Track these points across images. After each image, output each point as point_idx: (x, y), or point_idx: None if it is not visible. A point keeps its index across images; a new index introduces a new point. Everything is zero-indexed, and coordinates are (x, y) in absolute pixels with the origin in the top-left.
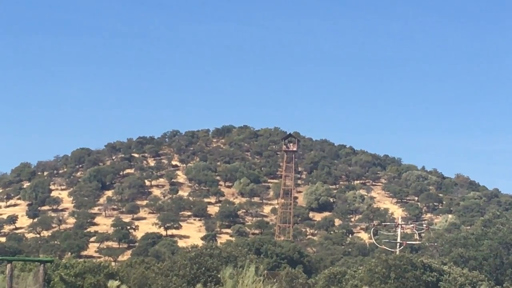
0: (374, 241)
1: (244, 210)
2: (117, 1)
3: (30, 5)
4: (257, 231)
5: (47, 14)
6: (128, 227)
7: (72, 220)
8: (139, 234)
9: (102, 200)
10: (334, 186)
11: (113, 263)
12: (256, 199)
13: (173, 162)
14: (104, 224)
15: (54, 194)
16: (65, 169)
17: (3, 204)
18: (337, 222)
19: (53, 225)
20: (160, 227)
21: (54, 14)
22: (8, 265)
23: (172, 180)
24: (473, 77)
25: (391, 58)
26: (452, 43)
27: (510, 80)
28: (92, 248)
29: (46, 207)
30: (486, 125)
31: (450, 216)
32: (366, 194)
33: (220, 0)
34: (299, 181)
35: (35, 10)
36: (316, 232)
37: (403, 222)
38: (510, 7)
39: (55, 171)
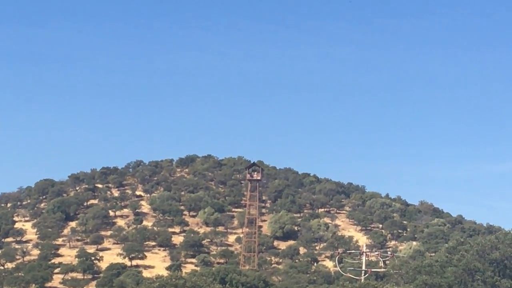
0: (339, 269)
1: (208, 240)
2: (84, 30)
3: None
4: (222, 261)
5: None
6: (93, 258)
7: (36, 252)
8: (103, 265)
9: (66, 231)
10: (298, 215)
11: None
12: (220, 229)
13: (137, 192)
14: (68, 255)
15: (17, 225)
16: (29, 200)
17: None
18: (302, 250)
19: (17, 257)
20: (124, 257)
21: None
22: None
23: (136, 210)
24: (436, 104)
25: (354, 86)
26: (415, 72)
27: (473, 107)
28: (56, 280)
29: (9, 239)
30: (450, 152)
31: (414, 243)
32: (331, 222)
33: (184, 30)
34: (263, 210)
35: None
36: (281, 260)
37: (367, 250)
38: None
39: (18, 203)
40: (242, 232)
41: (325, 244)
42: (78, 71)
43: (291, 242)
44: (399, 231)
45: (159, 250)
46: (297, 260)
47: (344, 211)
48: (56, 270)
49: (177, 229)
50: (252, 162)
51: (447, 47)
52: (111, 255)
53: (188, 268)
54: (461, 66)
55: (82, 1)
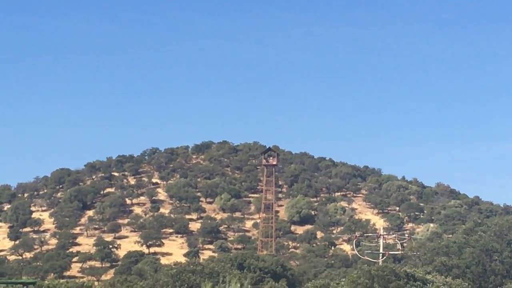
0: (357, 253)
1: (225, 226)
2: (93, 18)
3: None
4: (239, 246)
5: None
6: (110, 246)
7: (54, 241)
8: (121, 253)
9: (83, 220)
10: (315, 199)
11: (96, 283)
12: (237, 214)
13: (154, 180)
14: (86, 244)
15: (35, 215)
16: (46, 190)
17: None
18: (319, 234)
19: (35, 247)
20: (142, 245)
21: (23, 35)
22: None
23: (153, 197)
24: (451, 85)
25: (368, 68)
26: (430, 53)
27: (488, 88)
28: (74, 268)
29: (27, 229)
30: (465, 133)
31: (431, 225)
32: (347, 205)
33: (195, 18)
34: (280, 195)
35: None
36: (298, 245)
37: (385, 233)
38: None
39: (35, 193)
40: (259, 218)
41: (342, 228)
42: (93, 60)
43: (308, 226)
44: (416, 213)
45: (177, 237)
46: (314, 245)
47: (360, 195)
48: (74, 259)
49: (194, 216)
50: (267, 147)
51: (465, 27)
52: (129, 243)
53: (205, 254)
54: (473, 45)
55: None
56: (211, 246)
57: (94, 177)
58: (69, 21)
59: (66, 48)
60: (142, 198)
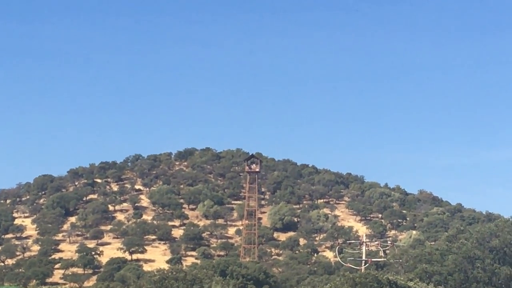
0: (340, 260)
1: (208, 232)
2: (80, 27)
3: None
4: (222, 253)
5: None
6: (93, 253)
7: (36, 248)
8: (104, 260)
9: (66, 226)
10: (297, 206)
11: None
12: (220, 221)
13: (136, 186)
14: (68, 250)
15: (17, 221)
16: (28, 197)
17: None
18: (302, 241)
19: (17, 253)
20: (125, 251)
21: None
22: None
23: (136, 204)
24: (433, 94)
25: (351, 76)
26: (410, 62)
27: (470, 97)
28: (57, 275)
29: (9, 235)
30: (448, 141)
31: (414, 232)
32: (330, 212)
33: (178, 23)
34: (262, 202)
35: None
36: (281, 252)
37: (367, 240)
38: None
39: (17, 199)
40: (242, 224)
41: (325, 234)
42: (75, 67)
43: (291, 233)
44: (399, 220)
45: (159, 243)
46: (297, 251)
47: (343, 202)
48: (57, 266)
49: (176, 223)
50: (250, 154)
51: (445, 34)
52: (111, 250)
53: (188, 261)
54: (459, 53)
55: None
56: (194, 253)
57: (77, 183)
58: (48, 26)
59: (46, 54)
60: (125, 204)
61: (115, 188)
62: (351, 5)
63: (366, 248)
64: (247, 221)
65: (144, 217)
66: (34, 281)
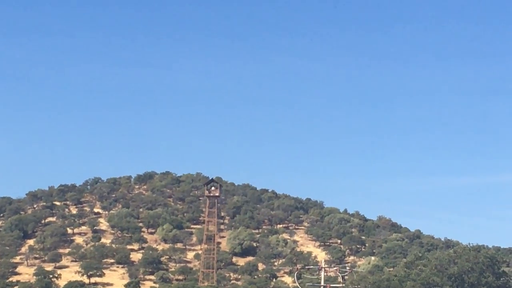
0: (298, 285)
1: (167, 257)
2: (33, 48)
3: None
4: (180, 277)
5: None
6: (51, 276)
7: None
8: (61, 283)
9: (24, 249)
10: (257, 231)
11: None
12: (179, 245)
13: (95, 210)
14: (26, 273)
15: None
16: None
17: None
18: (261, 266)
19: None
20: (83, 275)
21: None
22: None
23: (95, 227)
24: (391, 118)
25: (311, 100)
26: (367, 86)
27: (428, 122)
28: None
29: None
30: (407, 167)
31: (373, 258)
32: (289, 237)
33: (132, 46)
34: (222, 226)
35: None
36: (239, 277)
37: (326, 265)
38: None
39: None
40: (201, 249)
41: (283, 260)
42: (35, 88)
43: (249, 258)
44: (358, 246)
45: (118, 267)
46: (256, 276)
47: (302, 227)
48: None
49: (135, 246)
50: (210, 178)
51: (411, 59)
52: (69, 273)
53: (147, 285)
54: (415, 80)
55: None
56: (152, 277)
57: (35, 206)
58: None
59: (5, 77)
60: (83, 227)
61: (74, 211)
62: (309, 30)
63: (325, 274)
64: (206, 246)
65: (103, 240)
66: None
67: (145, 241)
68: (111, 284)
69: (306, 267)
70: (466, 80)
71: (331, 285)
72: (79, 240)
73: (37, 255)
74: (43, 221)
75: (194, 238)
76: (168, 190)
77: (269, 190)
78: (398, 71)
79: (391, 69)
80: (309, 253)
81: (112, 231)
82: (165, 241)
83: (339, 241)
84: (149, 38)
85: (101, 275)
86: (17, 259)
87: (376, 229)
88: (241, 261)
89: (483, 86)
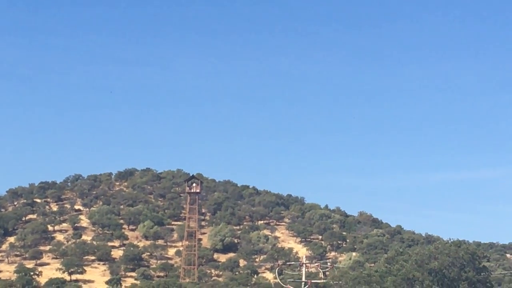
0: (279, 281)
1: (148, 253)
2: (20, 45)
3: None
4: (162, 274)
5: None
6: (32, 273)
7: None
8: (43, 280)
9: (4, 246)
10: (238, 227)
11: None
12: (160, 242)
13: (76, 207)
14: (7, 270)
15: None
16: None
17: None
18: (242, 262)
19: None
20: (64, 272)
21: None
22: None
23: (75, 224)
24: (373, 115)
25: (292, 97)
26: (350, 82)
27: (410, 119)
28: None
29: None
30: (388, 163)
31: (354, 254)
32: (270, 234)
33: (118, 44)
34: (203, 223)
35: None
36: (221, 273)
37: (307, 261)
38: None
39: None
40: (182, 245)
41: (265, 256)
42: (16, 85)
43: (231, 254)
44: (339, 242)
45: (99, 264)
46: (237, 273)
47: (283, 223)
48: None
49: (116, 243)
50: (191, 175)
51: (388, 59)
52: (50, 270)
53: (128, 282)
54: (396, 78)
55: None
56: (133, 274)
57: (16, 203)
58: None
59: None
60: (64, 225)
61: (54, 208)
62: (294, 28)
63: (306, 270)
64: (187, 242)
65: (84, 237)
66: None
67: (126, 238)
68: (92, 281)
69: (287, 263)
70: (450, 78)
71: (313, 281)
72: (60, 237)
73: (17, 253)
74: (23, 219)
75: (175, 235)
76: (149, 187)
77: (250, 186)
78: (386, 70)
79: (381, 67)
80: (290, 249)
81: (93, 228)
82: (146, 237)
83: (320, 237)
84: (126, 36)
85: (82, 272)
86: None
87: (357, 225)
88: (223, 258)
89: (463, 84)
